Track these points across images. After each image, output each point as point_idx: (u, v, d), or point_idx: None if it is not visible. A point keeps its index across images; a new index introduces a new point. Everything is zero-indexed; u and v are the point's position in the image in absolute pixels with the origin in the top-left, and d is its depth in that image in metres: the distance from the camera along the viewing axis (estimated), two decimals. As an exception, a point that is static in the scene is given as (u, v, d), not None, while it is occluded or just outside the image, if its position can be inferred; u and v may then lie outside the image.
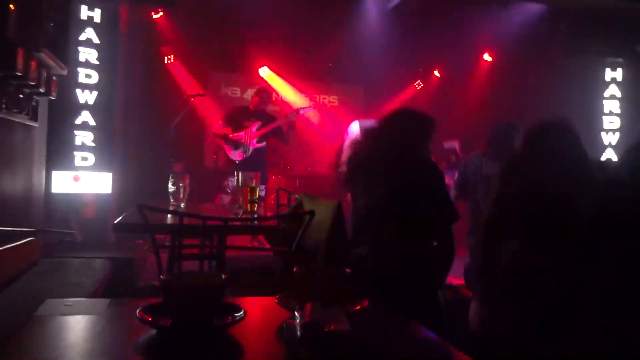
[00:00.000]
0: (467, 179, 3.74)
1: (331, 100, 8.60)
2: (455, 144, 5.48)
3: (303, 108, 5.78)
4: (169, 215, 2.36)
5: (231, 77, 8.14)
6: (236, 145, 5.56)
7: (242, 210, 2.63)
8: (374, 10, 6.43)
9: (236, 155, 5.55)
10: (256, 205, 2.68)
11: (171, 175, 3.25)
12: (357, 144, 2.63)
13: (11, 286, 2.80)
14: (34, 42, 3.02)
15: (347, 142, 4.82)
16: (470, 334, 3.10)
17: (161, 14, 5.54)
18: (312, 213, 2.03)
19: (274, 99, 7.98)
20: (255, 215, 2.60)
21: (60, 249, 3.83)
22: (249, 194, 2.66)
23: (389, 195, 2.29)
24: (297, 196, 3.65)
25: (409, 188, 2.27)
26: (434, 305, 2.31)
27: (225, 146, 5.62)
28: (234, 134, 5.58)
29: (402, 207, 2.26)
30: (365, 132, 2.62)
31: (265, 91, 5.88)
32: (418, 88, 8.49)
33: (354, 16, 6.30)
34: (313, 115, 8.07)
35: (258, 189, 2.70)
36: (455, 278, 3.70)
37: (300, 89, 8.41)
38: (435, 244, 2.33)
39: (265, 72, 8.04)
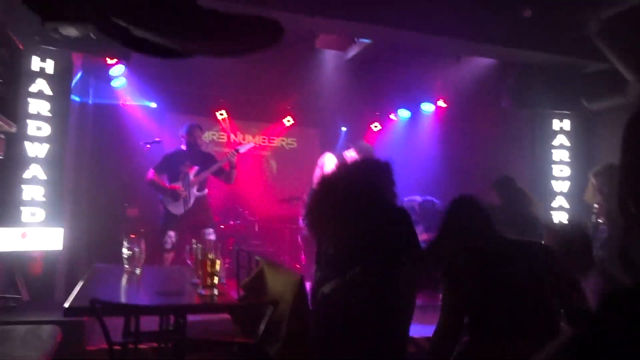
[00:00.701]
0: None
1: (289, 142, 8.61)
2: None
3: (243, 145, 5.50)
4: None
5: (188, 120, 8.03)
6: (175, 197, 5.18)
7: (201, 286, 2.55)
8: (330, 61, 6.54)
9: (177, 209, 5.19)
10: (216, 278, 2.60)
11: (126, 240, 3.16)
12: (316, 193, 2.56)
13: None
14: (-19, 106, 2.90)
15: (317, 173, 4.81)
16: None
17: (115, 60, 5.41)
18: (274, 303, 1.98)
19: (232, 141, 7.94)
20: (215, 291, 2.52)
21: (4, 313, 3.63)
22: (208, 267, 2.59)
23: (358, 243, 2.27)
24: (257, 258, 3.60)
25: (380, 235, 2.27)
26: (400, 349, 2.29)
27: (163, 199, 5.27)
28: (171, 185, 5.20)
29: (372, 254, 2.25)
30: (323, 181, 2.56)
31: (196, 127, 5.51)
32: (375, 130, 8.61)
33: (311, 65, 6.38)
34: (273, 164, 8.08)
35: (218, 261, 2.63)
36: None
37: (258, 132, 8.41)
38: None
39: (222, 114, 8.00)
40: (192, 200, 5.20)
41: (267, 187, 8.06)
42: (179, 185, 5.20)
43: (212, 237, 4.99)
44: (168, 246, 5.12)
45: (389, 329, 2.26)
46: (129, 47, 0.95)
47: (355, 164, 2.65)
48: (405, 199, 5.88)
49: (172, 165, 5.28)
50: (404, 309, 2.31)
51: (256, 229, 7.49)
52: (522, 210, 3.68)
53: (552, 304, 2.02)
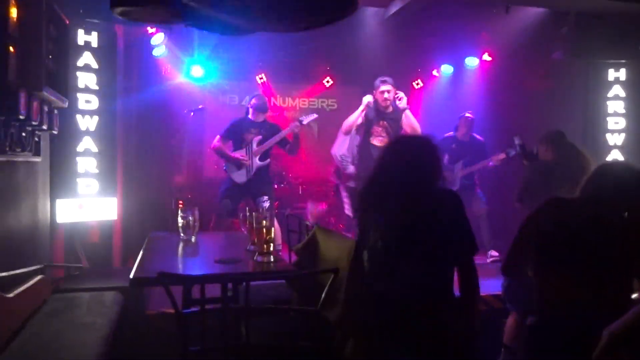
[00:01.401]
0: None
1: (330, 103, 8.53)
2: None
3: (306, 117, 5.37)
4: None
5: (228, 85, 8.05)
6: (238, 165, 5.18)
7: (257, 253, 2.59)
8: (370, 19, 6.34)
9: (240, 178, 5.18)
10: (271, 245, 2.64)
11: (180, 209, 3.23)
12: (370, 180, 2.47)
13: (23, 332, 2.76)
14: (35, 82, 2.96)
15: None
16: (503, 347, 3.08)
17: (155, 29, 5.42)
18: (335, 271, 1.99)
19: (272, 104, 7.91)
20: (272, 258, 2.55)
21: (69, 282, 3.80)
22: (263, 234, 2.62)
23: (412, 232, 2.19)
24: (308, 223, 3.63)
25: (434, 222, 2.20)
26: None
27: (227, 167, 5.29)
28: (235, 153, 5.20)
29: (426, 244, 2.18)
30: (376, 167, 2.47)
31: (263, 97, 5.51)
32: (417, 87, 8.42)
33: (350, 23, 6.18)
34: (314, 126, 8.01)
35: (272, 228, 2.65)
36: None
37: (298, 94, 8.36)
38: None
39: (262, 78, 7.96)
40: (254, 170, 5.19)
41: (309, 149, 8.06)
42: (242, 153, 5.20)
43: (267, 204, 4.99)
44: (226, 213, 5.17)
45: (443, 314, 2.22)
46: (197, 27, 0.93)
47: (407, 144, 2.50)
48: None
49: (237, 132, 5.26)
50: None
51: (300, 191, 7.54)
52: (576, 164, 3.55)
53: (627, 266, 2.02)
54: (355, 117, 4.97)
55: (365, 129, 5.02)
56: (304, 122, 5.24)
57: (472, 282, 2.16)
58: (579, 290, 2.04)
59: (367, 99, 5.03)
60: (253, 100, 5.37)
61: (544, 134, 4.08)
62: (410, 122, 4.98)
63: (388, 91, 4.93)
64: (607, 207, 2.09)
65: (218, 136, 5.30)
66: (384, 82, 4.96)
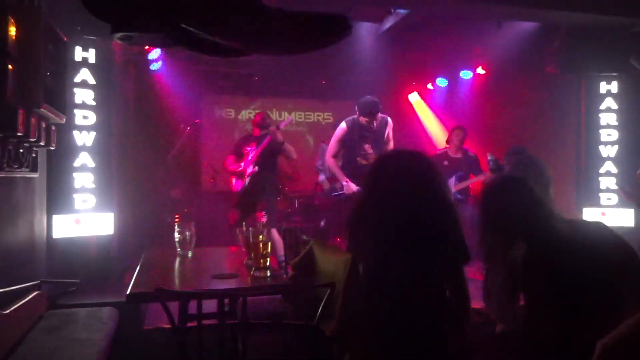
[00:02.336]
0: None
1: (326, 117, 8.59)
2: None
3: (283, 122, 5.59)
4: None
5: (224, 98, 8.10)
6: (238, 175, 5.46)
7: (253, 268, 2.61)
8: (366, 34, 6.42)
9: (237, 186, 5.45)
10: (268, 259, 2.66)
11: (177, 224, 3.24)
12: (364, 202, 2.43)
13: (19, 349, 2.76)
14: (34, 100, 2.98)
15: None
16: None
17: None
18: (331, 286, 2.01)
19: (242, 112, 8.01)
20: (269, 273, 2.57)
21: (65, 298, 3.79)
22: (260, 249, 2.64)
23: (409, 245, 2.19)
24: (305, 237, 3.65)
25: (432, 233, 2.16)
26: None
27: (233, 181, 5.54)
28: (237, 166, 5.49)
29: (424, 256, 2.18)
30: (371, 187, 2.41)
31: (262, 114, 5.72)
32: (412, 101, 8.50)
33: (347, 39, 6.26)
34: (310, 139, 8.09)
35: (269, 243, 2.67)
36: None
37: (293, 107, 8.42)
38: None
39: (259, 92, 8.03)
40: (247, 178, 5.36)
41: (305, 162, 8.09)
42: (241, 164, 5.44)
43: (264, 219, 5.09)
44: (231, 222, 5.34)
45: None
46: (196, 50, 0.96)
47: (399, 159, 2.46)
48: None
49: (240, 149, 5.53)
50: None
51: (296, 205, 7.56)
52: (532, 171, 3.69)
53: (619, 291, 1.97)
54: (334, 145, 4.92)
55: (349, 147, 4.86)
56: (281, 127, 5.38)
57: (465, 291, 2.19)
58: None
59: (342, 126, 4.87)
60: (253, 118, 5.67)
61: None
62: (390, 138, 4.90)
63: (367, 121, 4.65)
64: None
65: (230, 155, 5.58)
66: (365, 114, 4.61)
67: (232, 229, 5.39)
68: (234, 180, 5.50)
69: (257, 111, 8.12)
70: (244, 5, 0.88)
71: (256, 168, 5.36)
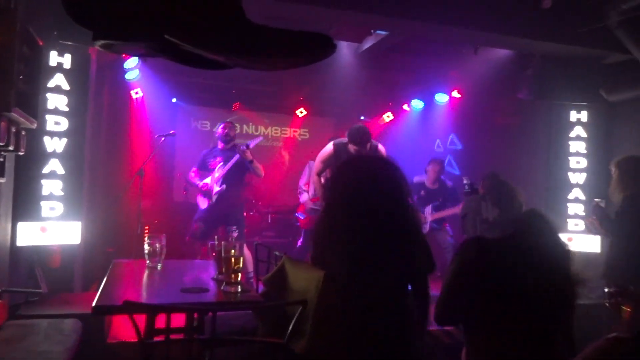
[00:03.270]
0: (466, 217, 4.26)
1: (302, 133, 8.61)
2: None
3: (252, 141, 5.49)
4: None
5: (200, 110, 8.06)
6: (203, 192, 5.38)
7: (224, 282, 2.57)
8: (344, 53, 6.49)
9: (202, 203, 5.38)
10: (239, 274, 2.62)
11: (147, 235, 3.18)
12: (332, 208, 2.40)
13: (-24, 361, 2.65)
14: (4, 103, 2.91)
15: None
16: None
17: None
18: (303, 303, 1.99)
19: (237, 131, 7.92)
20: (239, 288, 2.54)
21: (26, 308, 3.67)
22: (232, 263, 2.60)
23: (378, 253, 2.18)
24: (277, 253, 3.62)
25: (398, 240, 2.17)
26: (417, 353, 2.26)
27: (198, 198, 5.47)
28: (202, 182, 5.41)
29: (392, 264, 2.18)
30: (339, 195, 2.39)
31: (228, 124, 5.59)
32: (387, 120, 8.59)
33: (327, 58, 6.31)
34: (285, 155, 8.09)
35: (241, 258, 2.64)
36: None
37: (270, 123, 8.42)
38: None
39: (235, 106, 8.00)
40: (214, 196, 5.30)
41: (280, 178, 8.08)
42: (207, 181, 5.37)
43: (235, 234, 5.00)
44: (197, 235, 5.31)
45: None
46: (178, 61, 0.95)
47: (365, 164, 2.41)
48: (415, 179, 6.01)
49: (206, 162, 5.48)
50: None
51: (269, 220, 7.53)
52: (502, 194, 3.86)
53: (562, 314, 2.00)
54: (318, 165, 4.90)
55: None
56: (251, 146, 5.34)
57: (427, 298, 2.20)
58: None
59: (328, 148, 4.84)
60: (219, 130, 5.54)
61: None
62: None
63: (356, 150, 4.53)
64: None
65: (195, 168, 5.52)
66: (354, 142, 4.49)
67: (191, 241, 5.37)
68: (199, 197, 5.44)
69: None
70: (228, 19, 0.88)
71: (224, 187, 5.31)
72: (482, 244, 2.05)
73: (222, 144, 5.47)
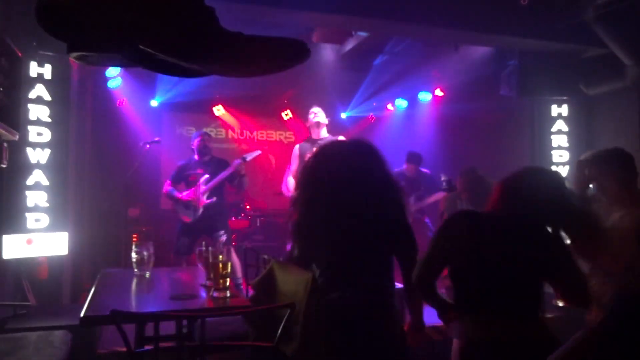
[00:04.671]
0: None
1: (287, 136, 8.62)
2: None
3: (249, 154, 5.38)
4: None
5: (185, 116, 8.04)
6: (186, 205, 5.24)
7: (213, 288, 2.57)
8: (327, 55, 6.52)
9: (187, 217, 5.24)
10: (227, 280, 2.62)
11: (134, 244, 3.17)
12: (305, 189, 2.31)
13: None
14: (-16, 116, 2.89)
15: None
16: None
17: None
18: (291, 306, 2.00)
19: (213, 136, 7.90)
20: (228, 293, 2.54)
21: (14, 322, 3.64)
22: (220, 269, 2.60)
23: (362, 238, 2.16)
24: (265, 257, 3.62)
25: (383, 222, 2.16)
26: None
27: (176, 207, 5.34)
28: (183, 194, 5.27)
29: (377, 247, 2.18)
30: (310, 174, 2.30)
31: (204, 134, 5.49)
32: (372, 121, 8.63)
33: (310, 59, 6.33)
34: (271, 158, 8.08)
35: (229, 263, 2.64)
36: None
37: (255, 127, 8.41)
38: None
39: (219, 110, 7.99)
40: (201, 209, 5.21)
41: (267, 181, 8.07)
42: (190, 194, 5.24)
43: (224, 238, 4.99)
44: (182, 251, 5.23)
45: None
46: (154, 70, 0.96)
47: (339, 148, 2.32)
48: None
49: (185, 175, 5.36)
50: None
51: (258, 224, 7.52)
52: (482, 190, 3.90)
53: (540, 284, 2.02)
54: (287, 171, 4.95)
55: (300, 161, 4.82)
56: (248, 159, 5.28)
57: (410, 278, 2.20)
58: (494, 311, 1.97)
59: (295, 151, 4.92)
60: (195, 142, 5.42)
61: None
62: None
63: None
64: (526, 221, 2.01)
65: (168, 181, 5.42)
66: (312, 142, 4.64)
67: (177, 256, 5.29)
68: (182, 210, 5.29)
69: (218, 129, 8.13)
70: (201, 28, 0.89)
71: (214, 198, 5.24)
72: (471, 216, 2.09)
73: (199, 156, 5.37)
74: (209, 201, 5.22)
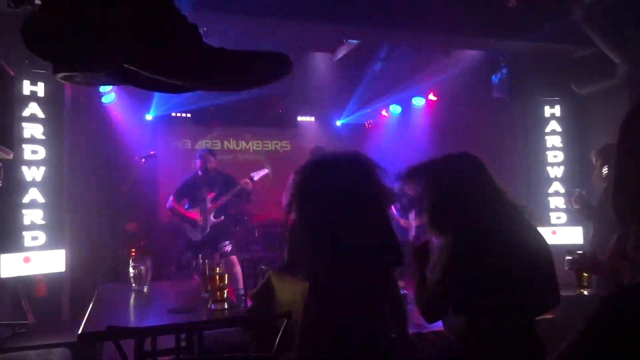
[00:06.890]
0: None
1: (283, 145, 8.62)
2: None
3: (256, 173, 5.38)
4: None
5: (180, 128, 8.04)
6: (193, 224, 5.15)
7: (211, 300, 2.58)
8: (321, 63, 6.55)
9: (194, 236, 5.13)
10: (225, 292, 2.63)
11: (131, 259, 3.17)
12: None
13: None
14: (-22, 136, 2.90)
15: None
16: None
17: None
18: (287, 316, 2.00)
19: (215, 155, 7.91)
20: (226, 305, 2.54)
21: (13, 340, 3.62)
22: (217, 281, 2.61)
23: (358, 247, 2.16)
24: (263, 267, 3.62)
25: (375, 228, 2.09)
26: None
27: (182, 225, 5.26)
28: (190, 212, 5.20)
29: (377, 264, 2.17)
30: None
31: (207, 153, 5.41)
32: (368, 127, 8.66)
33: (301, 67, 6.37)
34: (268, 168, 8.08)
35: (226, 275, 2.65)
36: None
37: (251, 137, 8.42)
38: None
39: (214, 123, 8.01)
40: (208, 227, 5.14)
41: (265, 191, 8.07)
42: (197, 212, 5.17)
43: (229, 248, 4.95)
44: (185, 265, 5.13)
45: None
46: (138, 87, 0.97)
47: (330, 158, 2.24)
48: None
49: (190, 191, 5.27)
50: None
51: (256, 234, 7.51)
52: None
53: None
54: None
55: None
56: (255, 179, 5.28)
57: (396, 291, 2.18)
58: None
59: None
60: (197, 164, 5.33)
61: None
62: None
63: None
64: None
65: (172, 197, 5.31)
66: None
67: (178, 271, 5.26)
68: (189, 228, 5.19)
69: (214, 141, 8.14)
70: (186, 45, 0.90)
71: (222, 217, 5.19)
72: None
73: (203, 172, 5.28)
74: (216, 220, 5.17)
